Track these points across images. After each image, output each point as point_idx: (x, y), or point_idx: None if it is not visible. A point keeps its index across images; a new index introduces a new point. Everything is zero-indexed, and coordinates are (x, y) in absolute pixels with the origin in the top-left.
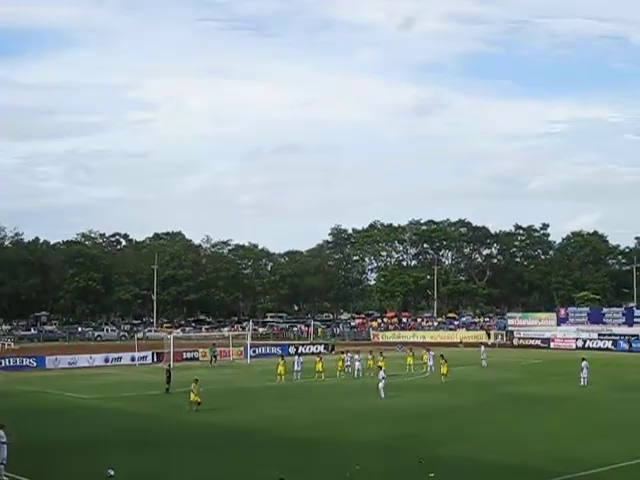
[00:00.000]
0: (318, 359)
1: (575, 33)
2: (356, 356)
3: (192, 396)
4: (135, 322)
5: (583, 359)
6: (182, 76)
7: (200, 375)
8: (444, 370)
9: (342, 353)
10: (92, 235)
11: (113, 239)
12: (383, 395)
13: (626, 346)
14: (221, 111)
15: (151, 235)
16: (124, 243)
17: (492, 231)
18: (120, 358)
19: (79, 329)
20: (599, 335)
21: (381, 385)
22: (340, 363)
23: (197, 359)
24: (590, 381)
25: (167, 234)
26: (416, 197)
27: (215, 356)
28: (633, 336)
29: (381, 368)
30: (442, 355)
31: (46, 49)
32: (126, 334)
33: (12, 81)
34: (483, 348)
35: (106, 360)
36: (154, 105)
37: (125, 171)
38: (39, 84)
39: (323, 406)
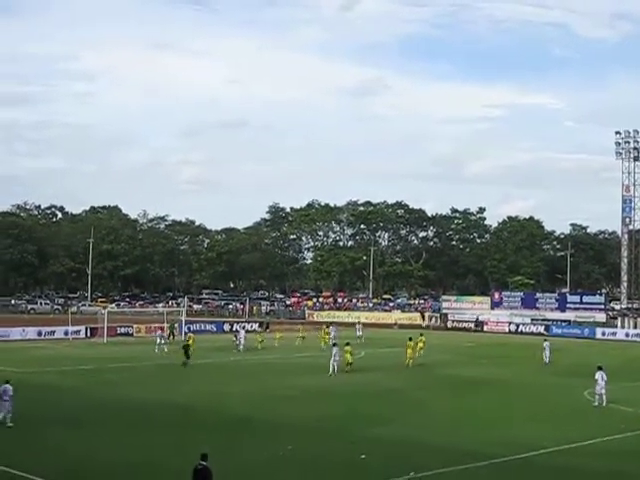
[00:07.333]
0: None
1: (516, 19)
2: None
3: (348, 357)
4: (69, 296)
5: (545, 340)
6: (124, 49)
7: (136, 351)
8: (409, 352)
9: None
10: (27, 207)
11: (49, 211)
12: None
13: (558, 331)
14: (162, 85)
15: (88, 208)
16: (60, 216)
17: (429, 214)
18: (53, 332)
19: (12, 302)
20: (532, 320)
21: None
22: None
23: (131, 335)
24: (552, 360)
25: (104, 208)
26: (355, 177)
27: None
28: (565, 321)
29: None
30: (410, 337)
31: None
32: (60, 308)
33: None
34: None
35: (39, 334)
36: (95, 77)
37: (64, 143)
38: None
39: (257, 384)
